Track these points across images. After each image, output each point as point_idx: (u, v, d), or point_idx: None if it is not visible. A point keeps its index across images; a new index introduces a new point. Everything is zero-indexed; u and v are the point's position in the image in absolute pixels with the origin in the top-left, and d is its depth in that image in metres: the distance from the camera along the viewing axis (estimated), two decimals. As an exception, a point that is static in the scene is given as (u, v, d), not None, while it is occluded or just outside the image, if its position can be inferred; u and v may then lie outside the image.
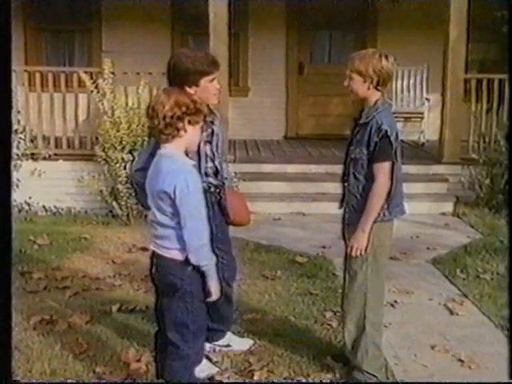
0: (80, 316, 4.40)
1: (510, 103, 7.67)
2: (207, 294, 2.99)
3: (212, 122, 3.54)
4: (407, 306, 4.70)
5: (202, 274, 2.95)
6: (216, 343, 3.92)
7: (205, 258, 2.90)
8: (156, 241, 3.00)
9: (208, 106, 3.49)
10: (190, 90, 3.38)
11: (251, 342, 4.01)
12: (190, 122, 2.89)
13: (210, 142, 3.53)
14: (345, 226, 3.54)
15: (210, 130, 3.52)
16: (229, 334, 3.97)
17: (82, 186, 7.58)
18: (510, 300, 3.28)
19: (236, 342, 3.96)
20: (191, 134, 2.94)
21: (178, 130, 2.88)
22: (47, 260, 5.69)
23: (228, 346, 3.92)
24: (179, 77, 3.41)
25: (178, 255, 2.92)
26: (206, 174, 3.51)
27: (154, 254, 3.04)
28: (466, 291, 4.98)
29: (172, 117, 2.85)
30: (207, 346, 3.89)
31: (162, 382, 3.16)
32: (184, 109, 2.86)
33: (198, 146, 3.43)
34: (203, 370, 3.61)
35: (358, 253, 3.37)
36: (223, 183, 3.64)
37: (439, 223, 7.10)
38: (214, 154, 3.54)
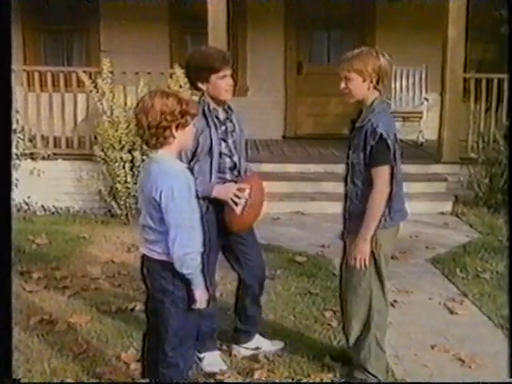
0: (80, 316, 4.40)
1: (509, 103, 7.66)
2: (192, 300, 2.89)
3: (228, 119, 3.55)
4: (407, 305, 4.70)
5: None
6: (244, 345, 3.86)
7: (188, 267, 2.79)
8: (148, 245, 2.92)
9: (224, 102, 3.52)
10: (202, 86, 3.44)
11: (282, 343, 3.94)
12: (177, 127, 2.77)
13: (225, 140, 3.52)
14: (345, 232, 3.47)
15: (223, 128, 3.52)
16: (257, 336, 3.91)
17: (81, 185, 7.59)
18: (509, 300, 3.27)
19: (266, 345, 3.89)
20: (181, 138, 2.82)
21: (165, 138, 2.77)
22: (46, 260, 5.69)
23: (257, 348, 3.86)
24: (192, 73, 3.49)
25: (170, 259, 2.81)
26: (223, 171, 3.52)
27: (145, 256, 2.97)
28: (465, 290, 4.98)
29: (157, 127, 2.73)
30: (235, 347, 3.86)
31: (161, 382, 3.14)
32: (169, 117, 2.72)
33: (211, 145, 3.42)
34: (212, 364, 3.64)
35: (362, 264, 3.27)
36: (238, 176, 3.59)
37: (438, 222, 7.10)
38: (231, 151, 3.54)
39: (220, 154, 3.50)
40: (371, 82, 3.23)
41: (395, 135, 3.23)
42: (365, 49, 3.30)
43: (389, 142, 3.17)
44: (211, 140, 3.42)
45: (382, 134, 3.16)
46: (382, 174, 3.20)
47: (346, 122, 3.60)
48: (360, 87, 3.25)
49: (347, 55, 3.27)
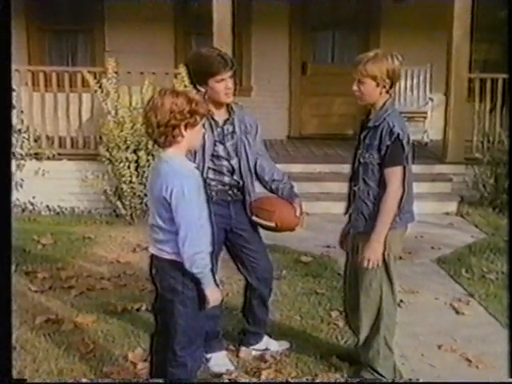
0: (86, 316, 4.39)
1: (510, 103, 7.64)
2: (203, 299, 2.89)
3: (228, 119, 3.53)
4: (413, 305, 4.69)
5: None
6: (253, 347, 3.86)
7: (198, 266, 2.78)
8: (157, 245, 2.91)
9: (226, 104, 3.49)
10: (201, 89, 3.43)
11: (289, 343, 3.95)
12: (186, 126, 2.77)
13: (222, 142, 3.49)
14: (353, 233, 3.44)
15: (219, 130, 3.50)
16: (266, 338, 3.91)
17: (86, 185, 7.58)
18: (510, 300, 3.27)
19: (273, 345, 3.90)
20: (190, 137, 2.82)
21: (174, 136, 2.77)
22: (51, 260, 5.69)
23: (266, 349, 3.86)
24: (191, 75, 3.50)
25: (179, 259, 2.81)
26: (221, 173, 3.50)
27: (153, 256, 2.96)
28: (471, 291, 4.98)
29: (166, 125, 2.73)
30: (244, 349, 3.86)
31: (164, 383, 3.14)
32: (179, 116, 2.73)
33: (204, 147, 3.39)
34: (219, 364, 3.65)
35: (375, 264, 3.26)
36: (238, 182, 3.56)
37: (443, 223, 7.10)
38: (228, 154, 3.51)
39: (218, 156, 3.49)
40: (384, 87, 3.23)
41: (409, 137, 3.26)
42: (380, 52, 3.27)
43: (404, 142, 3.20)
44: (204, 142, 3.37)
45: (399, 134, 3.18)
46: (396, 174, 3.21)
47: (351, 121, 3.62)
48: (373, 91, 3.25)
49: (363, 58, 3.24)
